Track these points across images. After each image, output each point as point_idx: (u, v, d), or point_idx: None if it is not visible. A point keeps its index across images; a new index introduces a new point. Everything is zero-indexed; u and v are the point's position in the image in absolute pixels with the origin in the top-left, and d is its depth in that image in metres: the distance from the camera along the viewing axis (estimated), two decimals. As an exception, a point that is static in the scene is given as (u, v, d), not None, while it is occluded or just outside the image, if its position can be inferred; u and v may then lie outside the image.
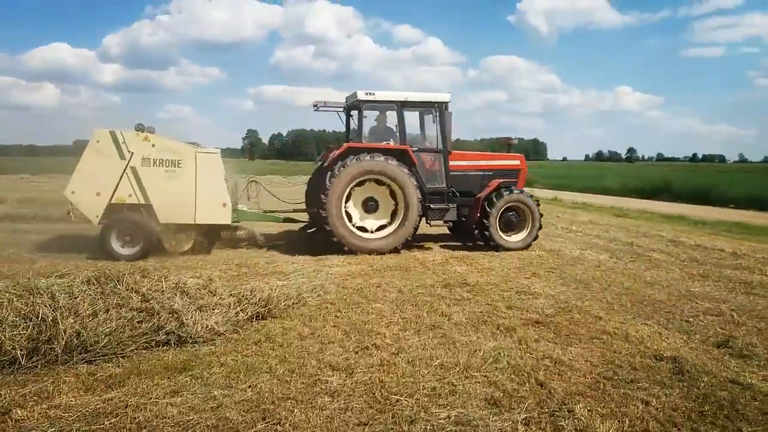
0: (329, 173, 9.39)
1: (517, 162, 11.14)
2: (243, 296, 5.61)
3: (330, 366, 4.42)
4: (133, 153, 8.57)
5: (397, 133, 10.11)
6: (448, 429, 3.44)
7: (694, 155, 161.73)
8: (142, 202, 8.63)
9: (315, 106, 10.62)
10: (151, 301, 4.90)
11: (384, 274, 7.93)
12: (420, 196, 9.67)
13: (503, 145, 11.95)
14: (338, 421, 3.54)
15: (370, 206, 9.88)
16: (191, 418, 3.52)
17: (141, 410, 3.62)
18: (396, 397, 3.89)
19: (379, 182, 9.74)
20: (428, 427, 3.46)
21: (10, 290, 4.54)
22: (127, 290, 4.97)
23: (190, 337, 4.80)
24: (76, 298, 4.66)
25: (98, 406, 3.69)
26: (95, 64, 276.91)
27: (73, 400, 3.77)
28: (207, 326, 4.93)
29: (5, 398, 3.75)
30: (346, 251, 9.34)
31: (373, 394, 3.94)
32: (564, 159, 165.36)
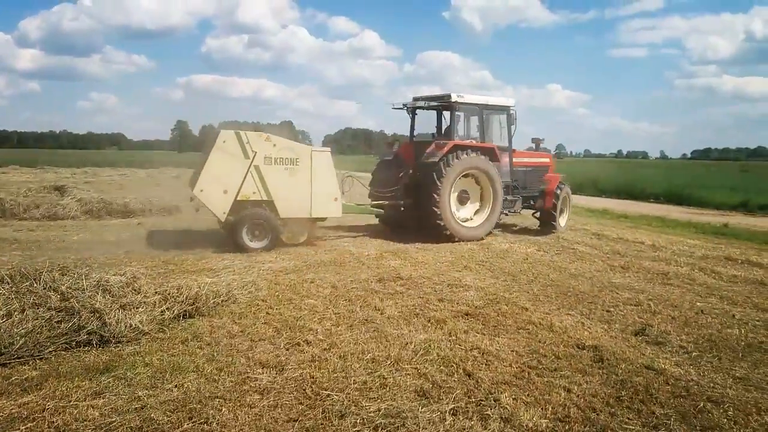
0: (436, 170, 10.22)
1: (548, 159, 12.82)
2: (169, 294, 5.45)
3: (260, 363, 4.37)
4: (256, 152, 9.01)
5: (470, 133, 11.39)
6: (377, 422, 3.47)
7: (619, 151, 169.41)
8: (265, 198, 9.13)
9: (404, 106, 11.46)
10: (71, 300, 4.68)
11: (318, 269, 7.90)
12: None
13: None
14: (267, 419, 3.51)
15: (464, 198, 10.94)
16: (114, 420, 3.39)
17: (60, 414, 3.46)
18: (326, 392, 3.89)
19: (468, 176, 10.77)
20: (358, 421, 3.48)
21: None
22: (44, 289, 4.72)
23: (113, 336, 4.62)
24: (-14, 298, 4.39)
25: (13, 410, 3.51)
26: (11, 49, 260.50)
27: (-16, 405, 3.56)
28: (131, 325, 4.76)
29: None
30: (456, 241, 10.36)
31: (304, 390, 3.93)
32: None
